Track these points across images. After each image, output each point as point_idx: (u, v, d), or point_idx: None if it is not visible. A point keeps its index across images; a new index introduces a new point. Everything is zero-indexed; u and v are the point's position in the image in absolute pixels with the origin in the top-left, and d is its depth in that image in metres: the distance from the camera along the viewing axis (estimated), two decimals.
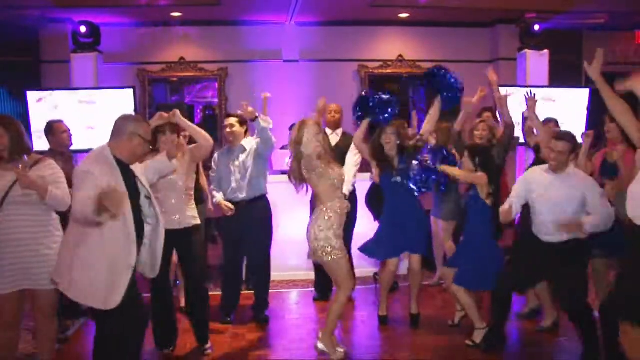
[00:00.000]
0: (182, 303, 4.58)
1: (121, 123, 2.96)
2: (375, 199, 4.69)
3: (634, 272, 2.79)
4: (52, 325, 3.40)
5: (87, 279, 2.78)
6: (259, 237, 4.48)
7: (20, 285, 3.18)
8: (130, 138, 2.90)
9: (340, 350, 3.79)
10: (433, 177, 4.05)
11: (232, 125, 4.42)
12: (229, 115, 4.59)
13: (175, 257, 3.99)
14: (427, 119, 4.46)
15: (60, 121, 4.50)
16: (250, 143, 4.47)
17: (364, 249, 4.36)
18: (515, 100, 6.94)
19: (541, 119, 4.52)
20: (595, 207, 3.44)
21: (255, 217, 4.43)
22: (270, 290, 5.31)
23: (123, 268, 2.83)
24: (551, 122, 4.83)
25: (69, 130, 4.45)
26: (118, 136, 2.92)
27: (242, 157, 4.42)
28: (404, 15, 7.75)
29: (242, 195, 4.39)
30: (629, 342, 2.77)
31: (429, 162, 4.03)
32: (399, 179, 4.19)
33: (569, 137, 3.58)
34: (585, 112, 6.94)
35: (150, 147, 3.19)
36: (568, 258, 3.53)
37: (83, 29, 6.90)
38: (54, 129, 4.39)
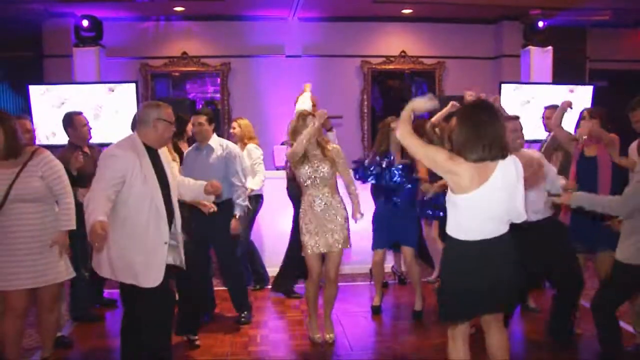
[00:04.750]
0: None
1: (144, 111, 3.04)
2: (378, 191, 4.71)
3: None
4: (53, 317, 3.45)
5: (124, 260, 2.89)
6: (225, 240, 4.34)
7: (33, 283, 3.20)
8: (155, 125, 2.98)
9: (318, 336, 3.99)
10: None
11: (200, 124, 4.24)
12: (199, 113, 4.37)
13: None
14: None
15: (80, 113, 4.38)
16: (220, 146, 4.32)
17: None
18: (518, 98, 6.96)
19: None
20: (551, 173, 3.68)
21: (219, 221, 4.19)
22: (270, 287, 5.34)
23: (156, 245, 2.94)
24: (554, 108, 4.83)
25: (89, 124, 4.38)
26: (144, 125, 3.00)
27: (210, 158, 4.25)
28: (407, 11, 7.72)
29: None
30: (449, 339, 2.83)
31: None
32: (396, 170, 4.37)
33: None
34: None
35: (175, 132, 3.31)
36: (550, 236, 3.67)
37: (85, 23, 6.88)
38: (74, 122, 4.26)
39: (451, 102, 4.78)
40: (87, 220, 2.65)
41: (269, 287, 5.32)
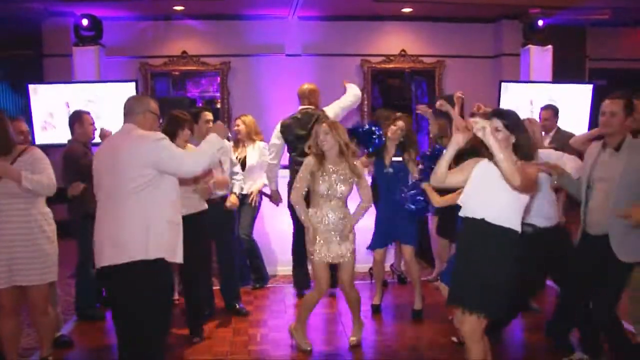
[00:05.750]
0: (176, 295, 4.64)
1: (132, 102, 3.01)
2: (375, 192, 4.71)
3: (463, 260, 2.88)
4: (47, 318, 3.44)
5: (169, 235, 2.88)
6: (226, 237, 4.48)
7: (15, 281, 3.21)
8: (145, 115, 2.96)
9: (306, 342, 3.88)
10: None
11: (213, 121, 4.30)
12: (207, 110, 4.44)
13: None
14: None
15: (87, 112, 4.46)
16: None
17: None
18: (519, 95, 6.96)
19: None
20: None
21: (220, 217, 4.34)
22: (271, 285, 5.36)
23: (180, 221, 2.98)
24: (551, 109, 4.84)
25: (94, 124, 4.44)
26: (134, 115, 2.96)
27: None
28: (407, 10, 7.72)
29: (220, 192, 4.27)
30: (470, 334, 2.85)
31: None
32: (391, 170, 4.38)
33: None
34: (588, 108, 6.92)
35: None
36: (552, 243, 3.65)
37: (85, 22, 6.88)
38: (82, 119, 4.35)
39: (439, 102, 4.68)
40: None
41: (269, 285, 5.34)
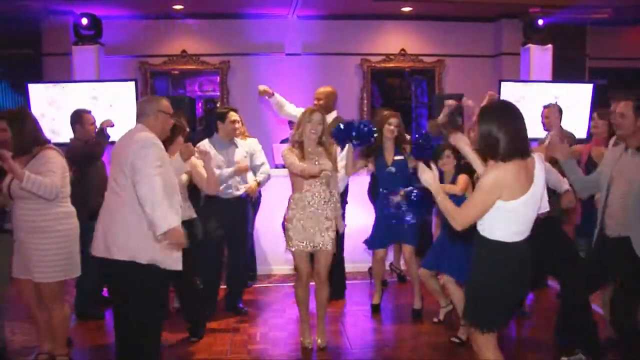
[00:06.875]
0: (176, 303, 4.55)
1: (143, 104, 3.08)
2: (376, 191, 4.70)
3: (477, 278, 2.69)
4: (57, 315, 3.43)
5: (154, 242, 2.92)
6: (241, 238, 4.52)
7: (24, 274, 3.31)
8: (156, 115, 3.02)
9: (309, 341, 3.89)
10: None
11: (238, 122, 4.49)
12: (233, 110, 4.51)
13: None
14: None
15: (88, 112, 4.48)
16: (241, 143, 4.57)
17: (367, 242, 4.56)
18: (516, 94, 6.95)
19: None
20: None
21: (236, 217, 4.44)
22: (270, 284, 5.37)
23: None
24: (552, 106, 4.84)
25: (95, 122, 4.45)
26: (146, 117, 3.01)
27: (238, 154, 4.41)
28: (406, 9, 7.70)
29: (237, 192, 4.40)
30: (477, 346, 2.69)
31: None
32: (393, 169, 4.36)
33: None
34: (588, 108, 6.91)
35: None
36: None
37: (84, 21, 6.87)
38: (83, 119, 4.38)
39: (445, 101, 4.75)
40: (160, 218, 2.70)
41: (269, 284, 5.34)
